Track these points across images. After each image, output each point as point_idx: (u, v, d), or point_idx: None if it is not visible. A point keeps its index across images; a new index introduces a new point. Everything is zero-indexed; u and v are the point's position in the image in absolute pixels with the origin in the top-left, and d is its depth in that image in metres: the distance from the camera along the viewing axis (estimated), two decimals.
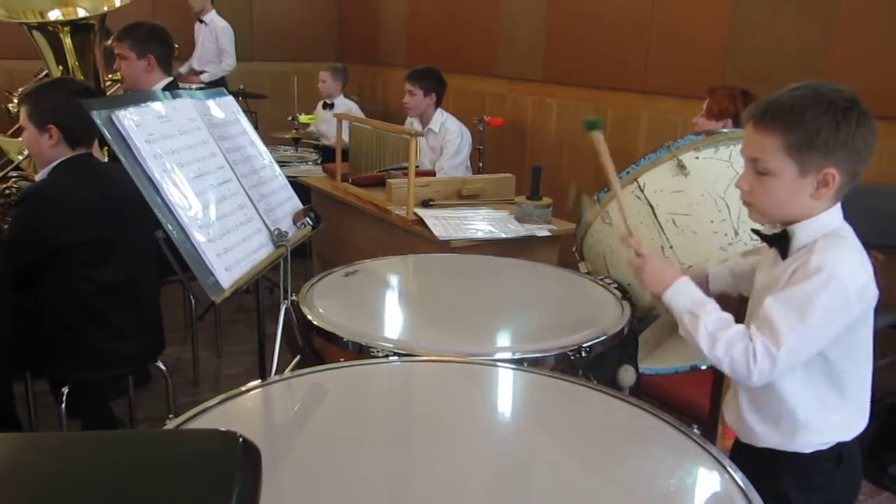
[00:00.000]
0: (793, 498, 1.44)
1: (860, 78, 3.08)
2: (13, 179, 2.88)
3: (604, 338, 1.79)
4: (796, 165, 1.34)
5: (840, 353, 1.38)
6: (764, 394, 1.43)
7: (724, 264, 1.78)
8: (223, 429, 0.71)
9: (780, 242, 1.41)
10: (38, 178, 2.38)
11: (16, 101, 4.52)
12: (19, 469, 0.65)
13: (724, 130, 2.38)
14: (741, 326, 1.36)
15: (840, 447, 1.44)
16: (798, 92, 1.35)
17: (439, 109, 4.20)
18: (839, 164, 1.33)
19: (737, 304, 1.96)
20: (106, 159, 2.67)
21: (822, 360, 1.38)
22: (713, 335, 1.36)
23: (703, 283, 1.72)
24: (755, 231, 1.51)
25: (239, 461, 0.64)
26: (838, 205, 1.40)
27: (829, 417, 1.42)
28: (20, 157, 3.25)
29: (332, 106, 5.35)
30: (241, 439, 0.66)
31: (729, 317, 1.39)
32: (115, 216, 2.31)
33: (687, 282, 1.46)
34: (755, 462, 1.46)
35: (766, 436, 1.46)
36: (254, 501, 0.63)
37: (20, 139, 3.47)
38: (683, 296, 1.44)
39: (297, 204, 2.13)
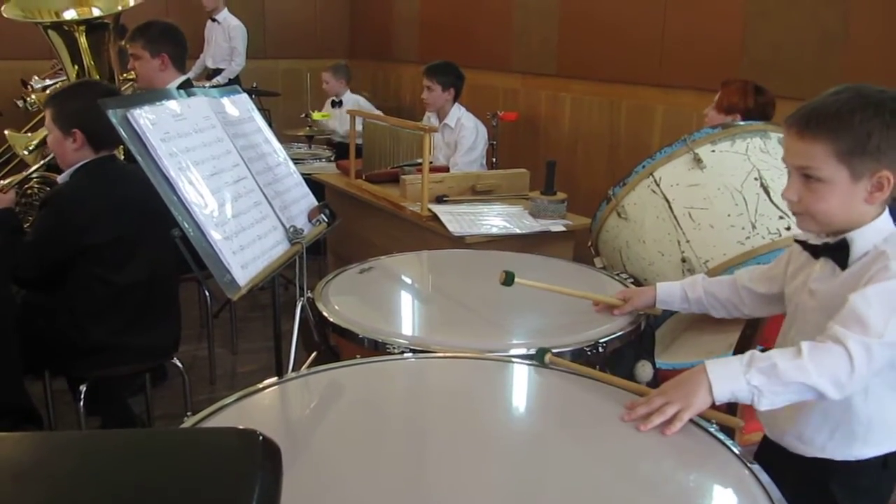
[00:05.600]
0: (840, 502, 1.43)
1: (878, 66, 3.05)
2: (34, 180, 2.90)
3: (621, 333, 1.78)
4: (848, 171, 1.30)
5: None
6: (829, 406, 1.37)
7: (675, 283, 1.75)
8: (243, 427, 0.71)
9: (838, 252, 1.36)
10: (60, 179, 2.40)
11: (33, 96, 4.56)
12: (41, 468, 0.66)
13: (741, 123, 2.37)
14: (807, 342, 1.26)
15: (887, 454, 1.42)
16: (841, 96, 1.31)
17: (456, 105, 4.19)
18: (892, 165, 1.30)
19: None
20: (122, 158, 2.68)
21: (890, 370, 1.34)
22: (798, 365, 1.23)
23: (649, 300, 1.74)
24: (801, 243, 1.44)
25: (260, 460, 0.64)
26: (887, 210, 1.36)
27: (887, 429, 1.40)
28: (26, 153, 3.28)
29: (340, 103, 5.36)
30: (261, 438, 0.66)
31: (788, 349, 1.29)
32: (136, 217, 2.32)
33: (710, 367, 1.28)
34: (801, 468, 1.44)
35: (816, 447, 1.43)
36: (275, 500, 0.63)
37: (29, 135, 3.51)
38: (727, 372, 1.27)
39: (311, 201, 2.13)
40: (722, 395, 1.27)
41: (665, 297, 1.73)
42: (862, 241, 1.34)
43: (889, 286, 1.27)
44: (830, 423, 1.41)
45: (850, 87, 1.33)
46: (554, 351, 1.68)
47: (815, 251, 1.41)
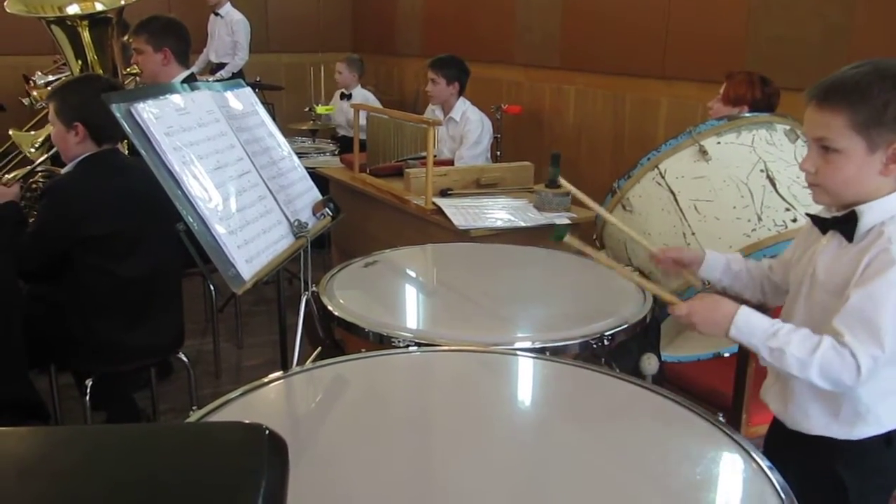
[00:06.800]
0: (848, 483, 1.43)
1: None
2: (39, 174, 2.90)
3: (626, 326, 1.78)
4: (864, 142, 1.31)
5: None
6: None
7: (721, 254, 1.73)
8: (249, 421, 0.71)
9: (845, 225, 1.37)
10: (63, 172, 2.41)
11: (35, 91, 4.57)
12: (45, 462, 0.66)
13: (747, 115, 2.36)
14: (829, 341, 1.29)
15: (890, 433, 1.42)
16: (861, 69, 1.33)
17: (461, 98, 4.17)
18: None
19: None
20: (126, 152, 2.68)
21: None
22: (803, 361, 1.30)
23: (697, 262, 1.70)
24: (812, 217, 1.46)
25: (266, 454, 0.64)
26: None
27: (890, 407, 1.40)
28: (32, 150, 3.28)
29: (349, 96, 5.35)
30: (267, 432, 0.66)
31: (807, 332, 1.32)
32: (138, 210, 2.32)
33: (746, 313, 1.37)
34: (805, 448, 1.45)
35: (820, 424, 1.44)
36: (281, 494, 0.62)
37: (33, 133, 3.51)
38: (748, 329, 1.36)
39: (316, 195, 2.13)
40: (733, 338, 1.38)
41: (711, 263, 1.70)
42: (871, 214, 1.35)
43: (890, 281, 1.27)
44: (835, 403, 1.42)
45: (870, 61, 1.34)
46: (559, 344, 1.68)
47: (825, 226, 1.42)
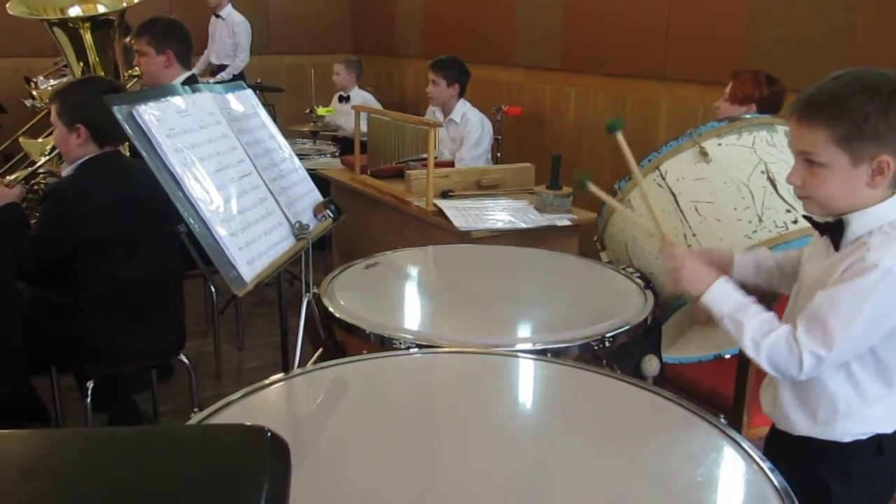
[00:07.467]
0: (832, 488, 1.43)
1: (886, 59, 3.03)
2: (41, 175, 2.91)
3: (627, 327, 1.78)
4: (847, 156, 1.30)
5: (890, 349, 1.35)
6: (805, 382, 1.40)
7: (749, 253, 1.72)
8: (250, 423, 0.71)
9: (834, 231, 1.37)
10: (63, 174, 2.41)
11: (36, 93, 4.58)
12: (49, 464, 0.66)
13: (748, 116, 2.35)
14: (785, 330, 1.33)
15: (880, 437, 1.41)
16: (841, 80, 1.31)
17: (461, 100, 4.17)
18: (893, 149, 1.29)
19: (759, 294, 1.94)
20: (127, 154, 2.68)
21: (870, 354, 1.36)
22: (756, 342, 1.35)
23: (725, 267, 1.66)
24: (807, 218, 1.46)
25: (268, 456, 0.64)
26: (894, 196, 1.35)
27: (871, 409, 1.39)
28: (43, 159, 3.29)
29: (348, 98, 5.35)
30: (269, 434, 0.66)
31: (771, 317, 1.36)
32: (139, 212, 2.32)
33: (725, 283, 1.43)
34: (793, 450, 1.45)
35: (803, 423, 1.44)
36: (283, 496, 0.62)
37: (40, 140, 3.52)
38: (723, 297, 1.41)
39: (317, 196, 2.13)
40: (704, 302, 1.44)
41: (741, 266, 1.67)
42: (859, 223, 1.34)
43: (855, 288, 1.28)
44: (810, 401, 1.43)
45: (850, 71, 1.32)
46: (560, 345, 1.68)
47: (821, 229, 1.43)
